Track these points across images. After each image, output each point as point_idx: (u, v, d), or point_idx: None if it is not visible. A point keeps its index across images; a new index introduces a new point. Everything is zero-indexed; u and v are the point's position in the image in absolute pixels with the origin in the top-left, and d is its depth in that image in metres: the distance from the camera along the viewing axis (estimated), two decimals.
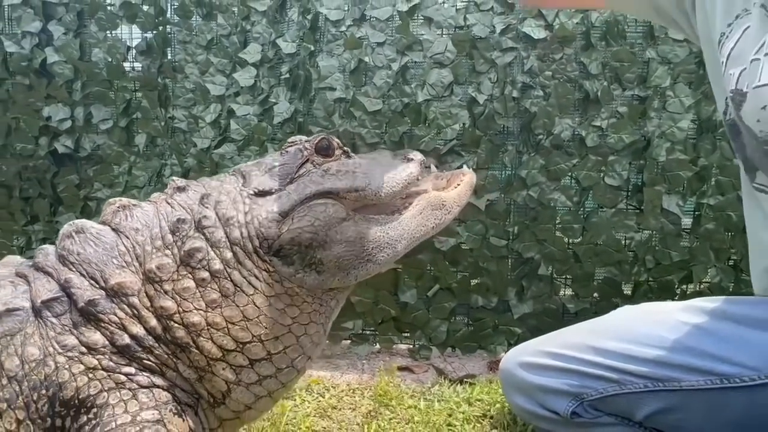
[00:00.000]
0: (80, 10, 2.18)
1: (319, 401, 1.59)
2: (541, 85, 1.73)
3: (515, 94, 1.74)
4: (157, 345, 0.77)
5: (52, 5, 2.18)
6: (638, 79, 1.69)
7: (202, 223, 0.80)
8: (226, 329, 0.79)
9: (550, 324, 1.72)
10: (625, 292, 1.75)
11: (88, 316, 0.75)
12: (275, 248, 0.81)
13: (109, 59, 2.18)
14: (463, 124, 1.76)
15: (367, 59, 1.82)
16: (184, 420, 0.77)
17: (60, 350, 0.72)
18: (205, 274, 0.79)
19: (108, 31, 2.17)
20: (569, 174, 1.73)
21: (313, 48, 1.90)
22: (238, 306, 0.79)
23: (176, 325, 0.77)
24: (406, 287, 1.82)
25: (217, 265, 0.80)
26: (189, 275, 0.79)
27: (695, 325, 1.08)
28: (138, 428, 0.71)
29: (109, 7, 2.17)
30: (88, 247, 0.79)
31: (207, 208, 0.82)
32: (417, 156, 0.96)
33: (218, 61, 2.08)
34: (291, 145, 0.90)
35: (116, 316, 0.76)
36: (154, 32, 2.15)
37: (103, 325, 0.75)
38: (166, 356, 0.77)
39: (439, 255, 1.80)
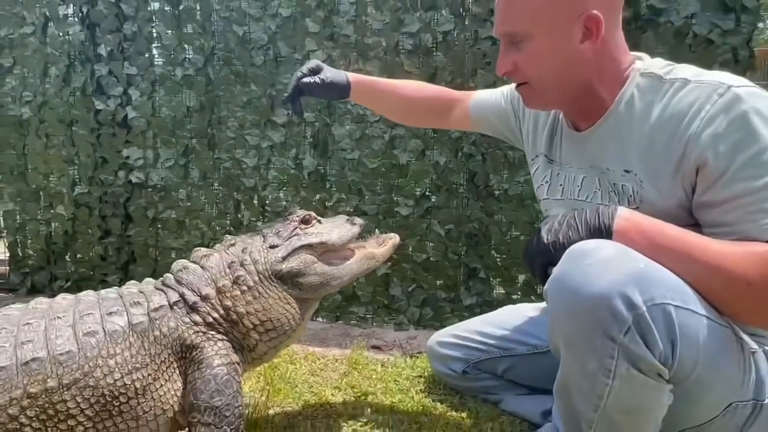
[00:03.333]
0: (153, 79, 2.93)
1: (312, 365, 2.18)
2: (481, 153, 2.57)
3: (464, 158, 2.59)
4: (223, 322, 1.46)
5: (132, 76, 2.92)
6: None
7: (244, 263, 1.50)
8: (255, 315, 1.46)
9: (487, 310, 2.53)
10: (538, 292, 2.62)
11: (193, 309, 1.45)
12: (278, 276, 1.49)
13: (173, 115, 2.94)
14: (431, 178, 2.62)
15: (368, 131, 2.65)
16: (237, 354, 1.47)
17: (183, 324, 1.42)
18: (245, 288, 1.47)
19: (172, 95, 2.93)
20: (499, 213, 2.56)
21: (328, 120, 2.72)
22: (261, 303, 1.46)
23: (232, 313, 1.46)
24: (394, 285, 2.66)
25: (251, 283, 1.48)
26: (237, 288, 1.47)
27: (530, 317, 1.78)
28: (218, 355, 1.42)
29: (173, 77, 2.92)
30: (190, 275, 1.49)
31: (245, 255, 1.51)
32: (358, 221, 1.61)
33: (252, 118, 2.85)
34: (290, 214, 1.57)
35: (205, 309, 1.45)
36: (205, 96, 2.92)
37: (200, 312, 1.45)
38: (228, 327, 1.47)
39: (416, 264, 2.63)
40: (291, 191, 2.75)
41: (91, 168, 3.00)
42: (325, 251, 1.54)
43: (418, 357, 2.27)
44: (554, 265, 1.12)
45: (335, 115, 2.71)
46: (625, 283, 1.01)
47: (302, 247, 1.52)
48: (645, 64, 1.27)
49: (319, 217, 1.60)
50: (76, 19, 2.93)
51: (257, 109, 2.84)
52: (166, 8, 2.85)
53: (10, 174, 3.08)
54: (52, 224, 3.12)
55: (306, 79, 1.70)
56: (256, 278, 1.49)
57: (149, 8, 2.88)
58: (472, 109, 1.78)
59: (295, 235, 1.53)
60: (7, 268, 3.28)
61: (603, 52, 1.24)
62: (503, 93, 1.72)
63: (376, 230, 1.73)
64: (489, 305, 2.57)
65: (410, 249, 2.64)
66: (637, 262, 1.04)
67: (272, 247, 1.52)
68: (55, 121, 2.97)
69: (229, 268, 1.49)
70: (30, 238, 3.16)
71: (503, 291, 2.61)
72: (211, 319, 1.45)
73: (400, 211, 2.64)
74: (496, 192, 2.57)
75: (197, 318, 1.44)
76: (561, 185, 1.44)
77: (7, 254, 3.26)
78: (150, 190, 3.01)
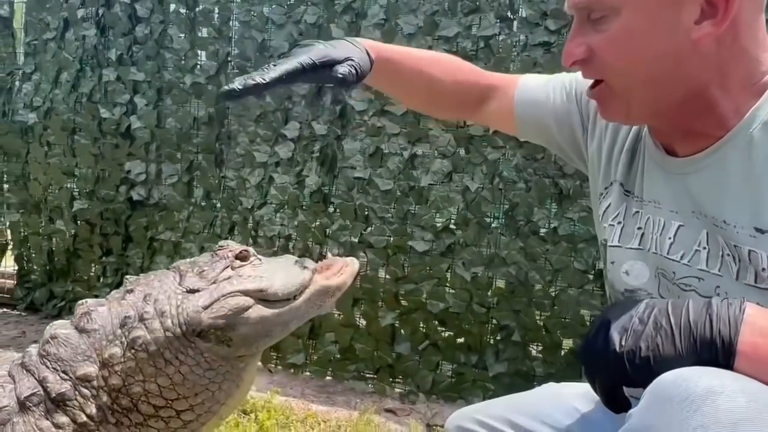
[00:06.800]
0: (159, 87, 2.69)
1: None
2: (524, 180, 2.06)
3: (501, 185, 2.07)
4: (108, 412, 1.06)
5: (138, 83, 2.70)
6: None
7: (144, 317, 1.09)
8: (159, 393, 1.07)
9: (520, 383, 2.00)
10: None
11: (58, 403, 1.04)
12: (197, 331, 1.09)
13: (179, 127, 2.66)
14: (458, 207, 2.11)
15: (383, 146, 2.20)
16: None
17: (37, 431, 1.03)
18: (144, 355, 1.07)
19: (180, 105, 2.66)
20: (543, 257, 2.04)
21: (340, 132, 2.30)
22: (168, 375, 1.07)
23: (122, 395, 1.06)
24: (401, 340, 2.17)
25: (153, 347, 1.07)
26: (132, 357, 1.07)
27: (579, 410, 1.30)
28: None
29: (181, 85, 2.65)
30: (61, 348, 1.08)
31: (148, 304, 1.11)
32: (311, 265, 1.22)
33: (264, 133, 2.51)
34: (221, 249, 1.19)
35: (77, 401, 1.05)
36: (216, 107, 2.62)
37: (68, 409, 1.04)
38: (115, 419, 1.06)
39: (430, 316, 2.13)
40: (288, 213, 2.34)
41: (92, 182, 2.80)
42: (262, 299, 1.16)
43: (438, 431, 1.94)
44: (629, 384, 0.76)
45: (348, 127, 2.30)
46: None
47: (233, 293, 1.12)
48: None
49: (259, 256, 1.22)
50: (93, 21, 2.77)
51: (270, 124, 2.50)
52: (181, 10, 2.62)
53: (14, 183, 2.96)
54: (53, 239, 2.93)
55: (342, 71, 1.20)
56: (162, 339, 1.08)
57: (165, 10, 2.66)
58: (519, 105, 1.28)
59: (225, 278, 1.14)
60: (14, 282, 3.13)
61: (731, 41, 0.86)
62: (564, 84, 1.23)
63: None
64: (523, 377, 2.06)
65: (425, 295, 2.18)
66: None
67: (191, 291, 1.12)
68: (58, 128, 2.81)
69: (122, 327, 1.09)
70: (34, 253, 3.00)
71: (542, 359, 2.05)
72: (84, 418, 1.04)
73: (416, 246, 2.20)
74: (542, 230, 2.08)
75: (63, 419, 1.04)
76: (640, 229, 1.06)
77: (16, 267, 3.12)
78: (151, 207, 2.73)
